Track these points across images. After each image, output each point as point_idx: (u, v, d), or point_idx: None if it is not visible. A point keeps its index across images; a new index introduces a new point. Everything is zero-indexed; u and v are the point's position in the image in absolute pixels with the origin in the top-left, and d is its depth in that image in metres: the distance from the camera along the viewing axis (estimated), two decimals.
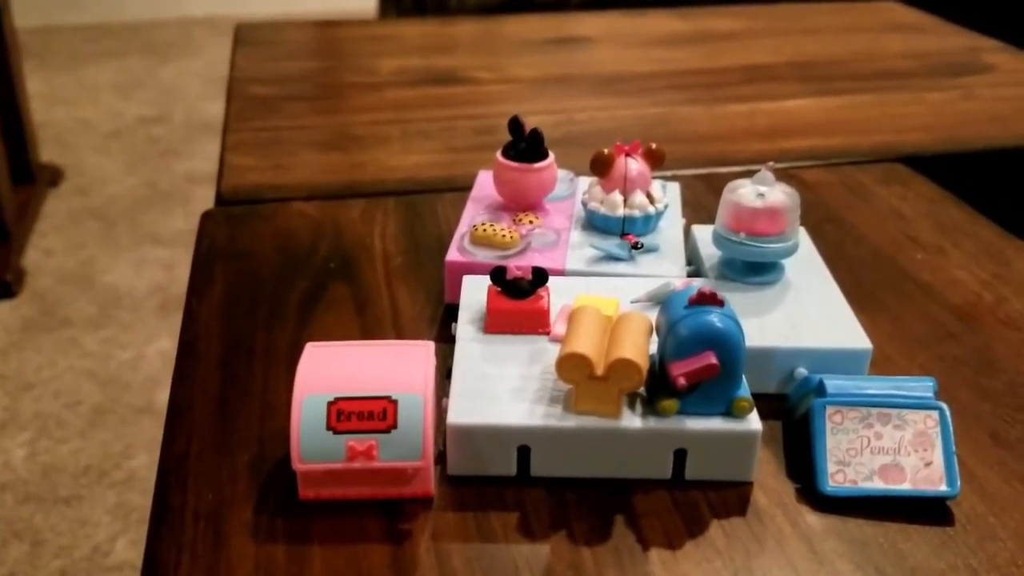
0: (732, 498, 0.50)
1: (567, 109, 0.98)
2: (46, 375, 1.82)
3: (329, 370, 0.49)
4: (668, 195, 0.71)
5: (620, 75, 1.08)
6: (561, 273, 0.62)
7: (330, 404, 0.47)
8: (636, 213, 0.65)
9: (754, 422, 0.50)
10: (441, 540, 0.47)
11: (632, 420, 0.49)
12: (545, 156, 0.68)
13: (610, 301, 0.56)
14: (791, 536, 0.47)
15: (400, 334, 0.62)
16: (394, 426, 0.47)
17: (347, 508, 0.48)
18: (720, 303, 0.49)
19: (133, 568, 1.38)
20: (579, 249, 0.64)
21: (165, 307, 2.02)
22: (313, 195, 0.79)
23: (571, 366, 0.48)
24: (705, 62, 1.12)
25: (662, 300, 0.58)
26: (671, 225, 0.68)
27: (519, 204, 0.69)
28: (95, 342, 1.92)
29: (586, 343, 0.49)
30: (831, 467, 0.50)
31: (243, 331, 0.62)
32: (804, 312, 0.59)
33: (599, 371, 0.48)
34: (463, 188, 0.75)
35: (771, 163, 0.60)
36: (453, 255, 0.63)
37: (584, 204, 0.67)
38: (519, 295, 0.56)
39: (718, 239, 0.61)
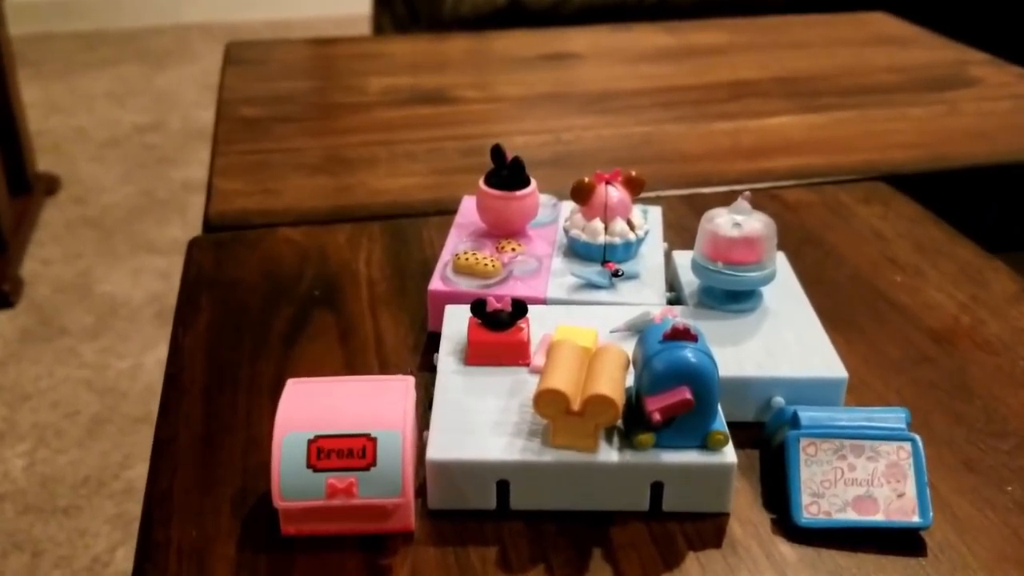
0: (708, 530, 0.50)
1: (554, 129, 0.98)
2: (44, 385, 1.83)
3: (309, 407, 0.50)
4: (650, 219, 0.72)
5: (607, 93, 1.09)
6: (542, 301, 0.63)
7: (310, 442, 0.48)
8: (617, 240, 0.66)
9: (729, 455, 0.50)
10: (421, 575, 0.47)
11: (609, 454, 0.50)
12: (527, 183, 0.69)
13: (589, 332, 0.57)
14: (766, 568, 0.48)
15: (383, 364, 0.62)
16: (373, 463, 0.48)
17: (328, 544, 0.49)
18: (694, 338, 0.50)
19: None
20: (560, 277, 0.65)
21: (162, 316, 2.02)
22: (300, 220, 0.79)
23: (548, 402, 0.49)
24: (692, 78, 1.13)
25: (641, 329, 0.59)
26: (652, 251, 0.69)
27: (502, 231, 0.70)
28: (93, 352, 1.92)
29: (563, 378, 0.50)
30: (805, 499, 0.50)
31: (228, 362, 0.62)
32: (781, 340, 0.59)
33: (575, 406, 0.49)
34: (449, 212, 0.76)
35: (747, 193, 0.61)
36: (436, 284, 0.64)
37: (566, 231, 0.68)
38: (499, 327, 0.57)
39: (697, 268, 0.62)
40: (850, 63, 1.19)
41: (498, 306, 0.57)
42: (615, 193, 0.67)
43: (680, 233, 0.78)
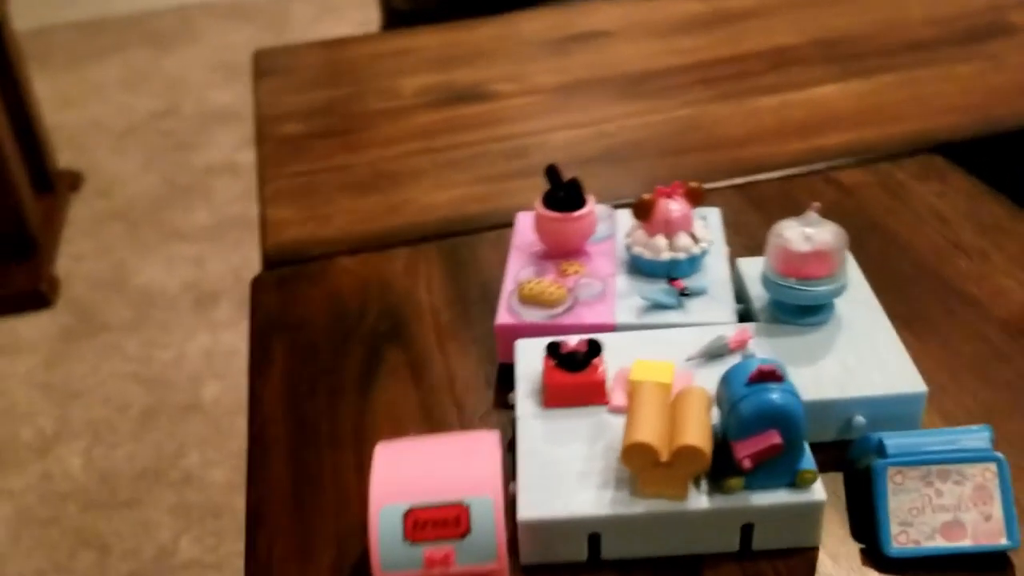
0: (800, 566, 0.51)
1: (595, 120, 0.97)
2: (91, 382, 1.86)
3: (401, 475, 0.50)
4: (710, 225, 0.71)
5: (644, 73, 1.07)
6: (612, 328, 0.63)
7: (406, 515, 0.49)
8: (681, 256, 0.66)
9: (818, 492, 0.51)
10: None
11: (699, 500, 0.51)
12: (584, 203, 0.68)
13: (666, 366, 0.57)
14: None
15: (459, 405, 0.63)
16: (468, 531, 0.49)
17: None
18: (780, 379, 0.50)
19: (201, 566, 1.43)
20: (627, 299, 0.65)
21: (199, 303, 2.04)
22: (355, 247, 0.80)
23: (636, 455, 0.49)
24: (728, 48, 1.11)
25: (717, 354, 0.59)
26: (716, 261, 0.68)
27: (561, 251, 0.70)
28: (135, 345, 1.95)
29: (648, 429, 0.50)
30: (894, 528, 0.51)
31: (307, 414, 0.63)
32: (858, 354, 0.59)
33: (664, 457, 0.49)
34: (502, 225, 0.76)
35: (816, 204, 0.60)
36: (503, 318, 0.64)
37: (628, 248, 0.68)
38: (575, 368, 0.57)
39: (768, 283, 0.62)
40: (885, 17, 1.16)
41: (573, 347, 0.57)
42: (676, 207, 0.66)
43: (739, 231, 0.77)
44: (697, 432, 0.49)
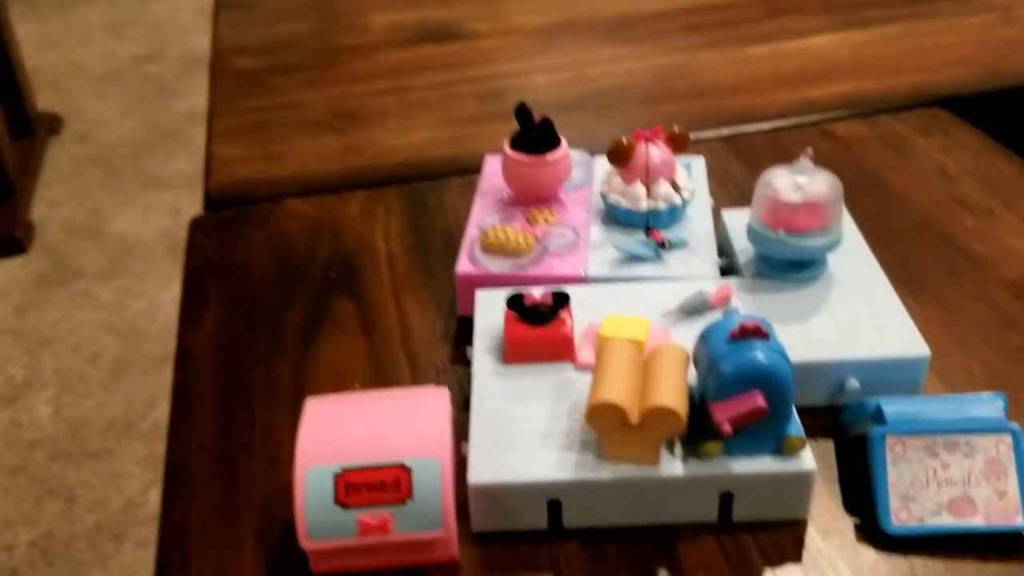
0: (786, 541, 0.45)
1: (577, 64, 0.91)
2: (63, 330, 1.81)
3: (333, 433, 0.44)
4: (693, 175, 0.65)
5: (630, 17, 1.00)
6: (583, 280, 0.57)
7: (337, 476, 0.43)
8: (661, 205, 0.59)
9: (807, 461, 0.45)
10: None
11: (672, 466, 0.45)
12: (557, 144, 0.62)
13: (640, 322, 0.51)
14: None
15: (412, 358, 0.57)
16: (409, 496, 0.43)
17: None
18: (765, 335, 0.44)
19: None
20: (600, 250, 0.59)
21: (175, 252, 1.98)
22: (308, 189, 0.73)
23: (603, 415, 0.43)
24: None
25: (696, 310, 0.53)
26: (699, 212, 0.62)
27: (532, 198, 0.63)
28: (109, 293, 1.91)
29: (617, 388, 0.44)
30: (894, 503, 0.45)
31: (241, 366, 0.57)
32: (852, 313, 0.53)
33: (634, 419, 0.43)
34: (470, 171, 0.70)
35: (809, 150, 0.54)
36: (464, 267, 0.58)
37: (604, 196, 0.61)
38: (539, 321, 0.51)
39: (754, 235, 0.55)
40: None
41: (537, 299, 0.51)
42: (657, 153, 0.60)
43: (724, 183, 0.71)
44: (671, 392, 0.43)
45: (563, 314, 0.51)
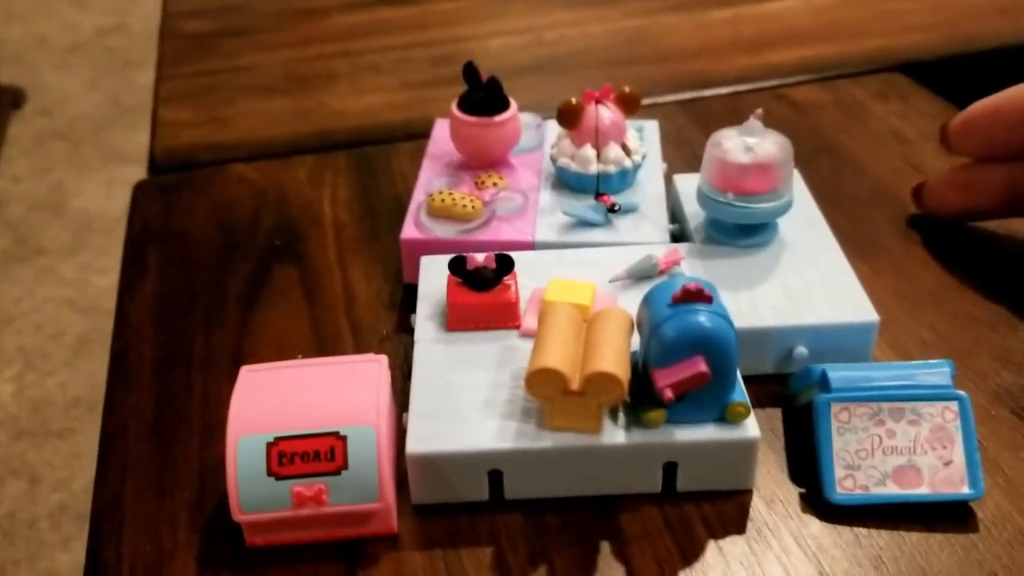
0: (730, 511, 0.45)
1: (534, 27, 0.89)
2: (26, 307, 1.79)
3: (267, 402, 0.43)
4: (646, 138, 0.64)
5: None
6: (531, 246, 0.56)
7: (270, 446, 0.41)
8: (611, 169, 0.58)
9: (752, 429, 0.44)
10: None
11: (614, 435, 0.44)
12: (506, 106, 0.60)
13: (585, 286, 0.50)
14: (796, 553, 0.42)
15: (355, 326, 0.55)
16: (344, 466, 0.41)
17: (302, 553, 0.43)
18: (708, 299, 0.43)
19: None
20: (550, 215, 0.58)
21: None
22: (254, 154, 0.71)
23: (542, 382, 0.42)
24: None
25: (644, 275, 0.52)
26: (651, 176, 0.61)
27: (481, 162, 0.62)
28: (73, 269, 1.88)
29: (558, 353, 0.43)
30: (839, 472, 0.44)
31: (180, 333, 0.56)
32: (802, 279, 0.52)
33: (574, 385, 0.42)
34: (421, 135, 0.68)
35: (759, 111, 0.53)
36: (409, 232, 0.57)
37: (553, 160, 0.60)
38: (483, 286, 0.50)
39: (703, 199, 0.54)
40: None
41: (480, 263, 0.50)
42: (607, 114, 0.59)
43: (680, 148, 0.70)
44: (612, 358, 0.42)
45: (507, 279, 0.50)
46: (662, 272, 0.52)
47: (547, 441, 0.44)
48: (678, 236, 0.57)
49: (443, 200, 0.57)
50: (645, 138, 0.64)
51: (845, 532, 0.43)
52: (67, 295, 1.83)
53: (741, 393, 0.44)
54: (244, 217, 0.65)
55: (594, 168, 0.58)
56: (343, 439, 0.42)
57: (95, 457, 0.49)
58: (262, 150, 0.72)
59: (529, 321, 0.50)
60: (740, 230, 0.55)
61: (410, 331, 0.53)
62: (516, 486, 0.45)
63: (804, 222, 0.57)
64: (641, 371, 0.44)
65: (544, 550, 0.43)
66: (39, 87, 2.50)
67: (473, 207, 0.57)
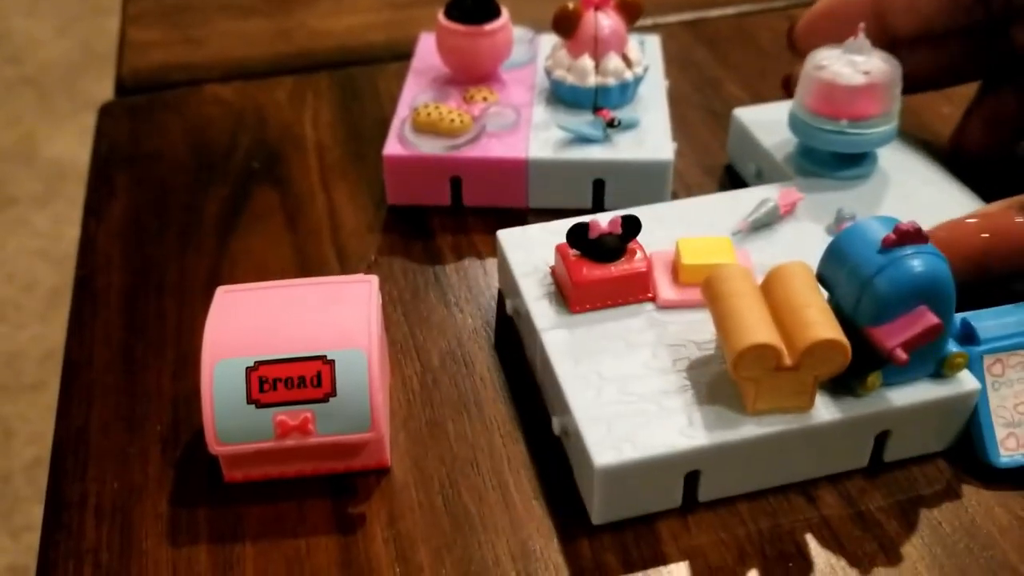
0: (935, 477, 0.40)
1: None
2: None
3: (246, 324, 0.39)
4: (648, 52, 0.60)
5: None
6: (523, 163, 0.52)
7: (249, 371, 0.38)
8: (610, 81, 0.54)
9: (969, 380, 0.39)
10: (402, 526, 0.38)
11: (826, 410, 0.38)
12: (497, 15, 0.56)
13: (721, 243, 0.43)
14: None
15: (341, 252, 0.51)
16: (332, 393, 0.38)
17: (284, 489, 0.40)
18: (925, 239, 0.37)
19: None
20: (544, 132, 0.53)
21: None
22: (230, 74, 0.67)
23: (752, 361, 0.36)
24: None
25: (766, 223, 0.46)
26: (652, 92, 0.57)
27: (469, 76, 0.58)
28: (44, 221, 1.84)
29: (764, 327, 0.36)
30: (1000, 432, 0.39)
31: (151, 258, 0.51)
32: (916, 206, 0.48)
33: (789, 360, 0.36)
34: (407, 55, 0.63)
35: (862, 24, 0.48)
36: (392, 147, 0.52)
37: (548, 72, 0.56)
38: (609, 256, 0.42)
39: (805, 129, 0.49)
40: None
41: (605, 229, 0.43)
42: (607, 22, 0.54)
43: (686, 68, 0.66)
44: (826, 322, 0.36)
45: (634, 245, 0.43)
46: (783, 216, 0.47)
47: (751, 428, 0.37)
48: (752, 176, 0.53)
49: (429, 114, 0.53)
50: (647, 52, 0.60)
51: (1011, 499, 0.39)
52: (39, 246, 1.78)
53: (953, 342, 0.39)
54: (220, 139, 0.60)
55: (592, 80, 0.54)
56: (331, 363, 0.38)
57: None
58: (238, 71, 0.67)
59: (666, 290, 0.43)
60: (842, 160, 0.49)
61: (399, 254, 0.50)
62: (713, 486, 0.38)
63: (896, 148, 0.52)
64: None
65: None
66: (7, 34, 2.42)
67: (461, 122, 0.52)
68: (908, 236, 0.37)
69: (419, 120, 0.53)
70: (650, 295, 0.43)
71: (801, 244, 0.46)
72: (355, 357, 0.38)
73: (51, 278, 1.72)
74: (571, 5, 0.54)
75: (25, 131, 2.09)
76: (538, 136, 0.53)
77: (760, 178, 0.53)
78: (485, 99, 0.55)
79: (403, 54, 0.66)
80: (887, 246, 0.37)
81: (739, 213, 0.47)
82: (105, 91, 2.15)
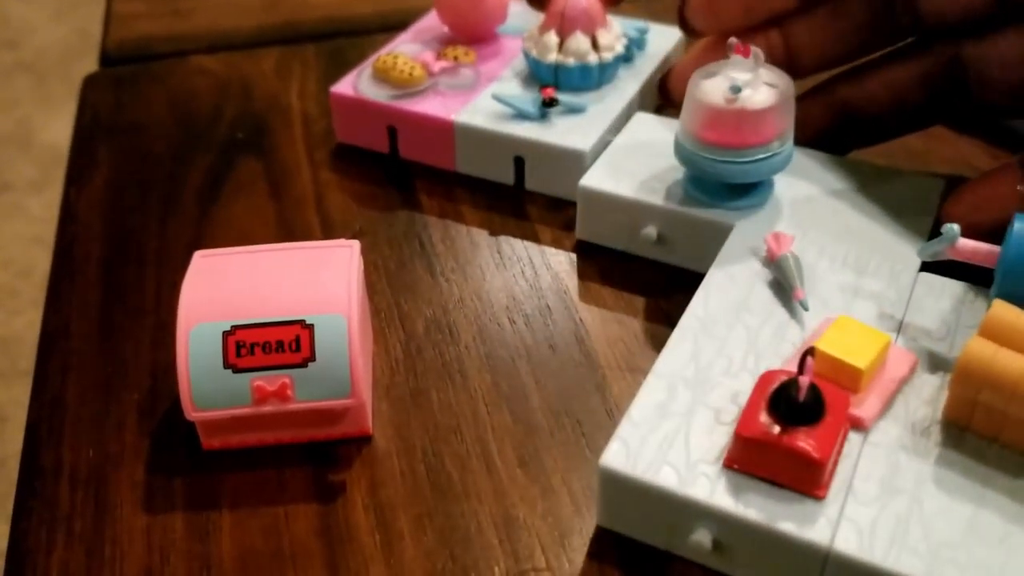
0: None
1: None
2: None
3: (223, 288, 0.38)
4: (648, 45, 0.57)
5: None
6: (449, 124, 0.51)
7: (226, 335, 0.37)
8: (570, 61, 0.52)
9: None
10: (383, 494, 0.37)
11: None
12: None
13: (879, 338, 0.36)
14: None
15: (326, 223, 0.51)
16: (311, 358, 0.37)
17: (263, 457, 0.39)
18: None
19: None
20: (488, 100, 0.52)
21: None
22: (217, 45, 0.66)
23: None
24: None
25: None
26: (625, 83, 0.54)
27: (464, 35, 0.57)
28: (40, 206, 1.83)
29: None
30: None
31: (132, 228, 0.50)
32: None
33: None
34: (395, 27, 0.63)
35: (733, 40, 0.43)
36: (342, 87, 0.54)
37: (523, 43, 0.55)
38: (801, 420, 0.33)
39: (683, 152, 0.44)
40: None
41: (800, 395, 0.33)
42: (581, 1, 0.53)
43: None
44: None
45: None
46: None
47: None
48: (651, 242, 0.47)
49: (385, 63, 0.53)
50: (648, 44, 0.57)
51: None
52: (35, 232, 1.78)
53: None
54: (204, 109, 0.59)
55: (552, 57, 0.53)
56: (310, 328, 0.37)
57: None
58: (224, 42, 0.66)
59: (870, 406, 0.35)
60: (726, 190, 0.45)
61: (385, 224, 0.49)
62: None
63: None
64: None
65: None
66: (2, 19, 2.41)
67: (412, 75, 0.52)
68: None
69: (376, 66, 0.53)
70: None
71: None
72: (335, 322, 0.37)
73: (47, 264, 1.71)
74: None
75: (21, 116, 2.08)
76: (479, 103, 0.52)
77: (662, 241, 0.47)
78: (456, 58, 0.54)
79: (390, 26, 0.65)
80: None
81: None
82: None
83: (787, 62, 0.48)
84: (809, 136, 0.49)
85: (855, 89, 0.48)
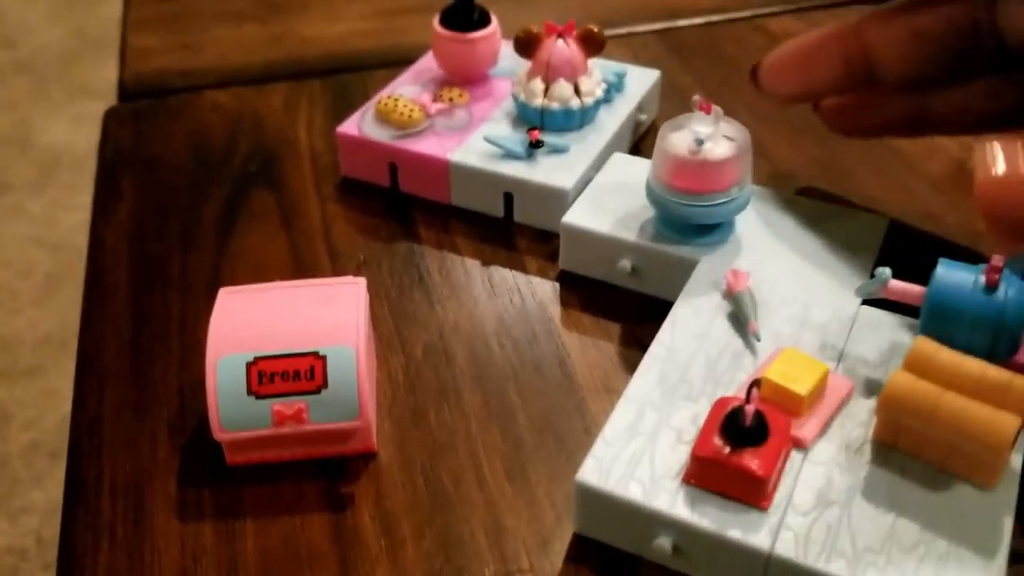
0: None
1: None
2: None
3: (246, 322, 0.43)
4: (628, 87, 0.62)
5: None
6: (444, 163, 0.56)
7: (250, 365, 0.42)
8: (554, 106, 0.57)
9: None
10: (387, 504, 0.42)
11: None
12: (484, 24, 0.60)
13: (819, 367, 0.41)
14: None
15: (332, 252, 0.56)
16: (324, 385, 0.42)
17: (282, 471, 0.44)
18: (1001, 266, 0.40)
19: None
20: (481, 140, 0.58)
21: None
22: (227, 80, 0.71)
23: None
24: None
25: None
26: (606, 124, 0.59)
27: (459, 78, 0.62)
28: (39, 206, 1.85)
29: (992, 409, 0.37)
30: None
31: (156, 257, 0.55)
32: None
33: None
34: (396, 62, 0.68)
35: (696, 97, 0.48)
36: (347, 127, 0.59)
37: (513, 87, 0.60)
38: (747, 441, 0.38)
39: (653, 195, 0.50)
40: None
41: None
42: (563, 50, 0.58)
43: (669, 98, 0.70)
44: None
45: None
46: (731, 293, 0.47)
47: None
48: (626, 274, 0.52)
49: (386, 104, 0.58)
50: (625, 86, 0.62)
51: None
52: (35, 232, 1.80)
53: None
54: (219, 143, 0.64)
55: (538, 102, 0.58)
56: (323, 359, 0.42)
57: (66, 394, 0.49)
58: (234, 77, 0.71)
59: (808, 428, 0.40)
60: (694, 228, 0.50)
61: (386, 255, 0.54)
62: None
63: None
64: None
65: None
66: (1, 19, 2.44)
67: (411, 116, 0.57)
68: (998, 270, 0.40)
69: (379, 108, 0.58)
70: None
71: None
72: (345, 353, 0.42)
73: (46, 264, 1.73)
74: (534, 29, 0.58)
75: (19, 117, 2.10)
76: (472, 143, 0.57)
77: (636, 273, 0.52)
78: (452, 100, 0.59)
79: (391, 61, 0.70)
80: (992, 285, 0.39)
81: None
82: (100, 78, 2.15)
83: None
84: (880, 131, 0.54)
85: (934, 98, 0.50)
